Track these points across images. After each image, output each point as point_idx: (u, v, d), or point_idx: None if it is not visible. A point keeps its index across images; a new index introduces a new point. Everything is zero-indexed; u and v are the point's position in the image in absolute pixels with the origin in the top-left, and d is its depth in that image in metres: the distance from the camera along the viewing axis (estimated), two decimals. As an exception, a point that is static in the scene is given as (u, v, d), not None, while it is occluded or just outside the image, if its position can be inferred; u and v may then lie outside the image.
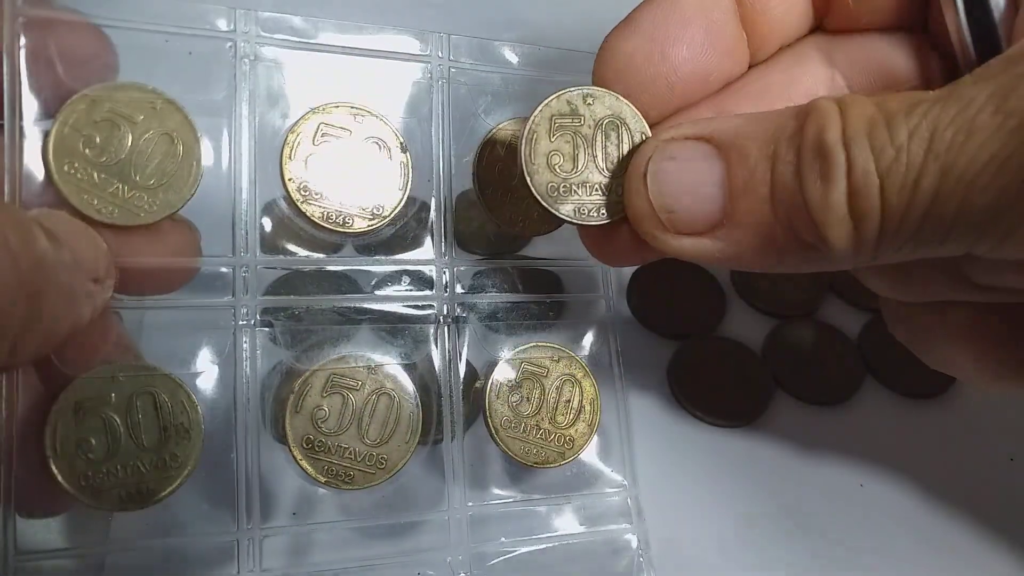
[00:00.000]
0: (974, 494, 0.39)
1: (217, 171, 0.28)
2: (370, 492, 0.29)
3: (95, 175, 0.26)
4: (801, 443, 0.39)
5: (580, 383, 0.33)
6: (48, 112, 0.26)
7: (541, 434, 0.31)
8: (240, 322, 0.29)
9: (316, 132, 0.29)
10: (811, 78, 0.30)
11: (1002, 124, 0.19)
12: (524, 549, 0.31)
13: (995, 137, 0.19)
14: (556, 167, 0.27)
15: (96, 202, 0.26)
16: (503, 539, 0.31)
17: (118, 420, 0.26)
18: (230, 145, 0.28)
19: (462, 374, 0.31)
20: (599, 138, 0.27)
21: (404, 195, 0.30)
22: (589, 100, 0.27)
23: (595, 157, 0.27)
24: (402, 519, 0.30)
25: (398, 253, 0.31)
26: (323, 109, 0.29)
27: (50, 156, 0.26)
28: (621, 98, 0.27)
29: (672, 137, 0.26)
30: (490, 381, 0.31)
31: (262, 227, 0.29)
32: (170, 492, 0.27)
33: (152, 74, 0.27)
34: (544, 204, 0.27)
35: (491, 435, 0.31)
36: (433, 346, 0.31)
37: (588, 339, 0.35)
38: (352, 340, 0.30)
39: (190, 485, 0.27)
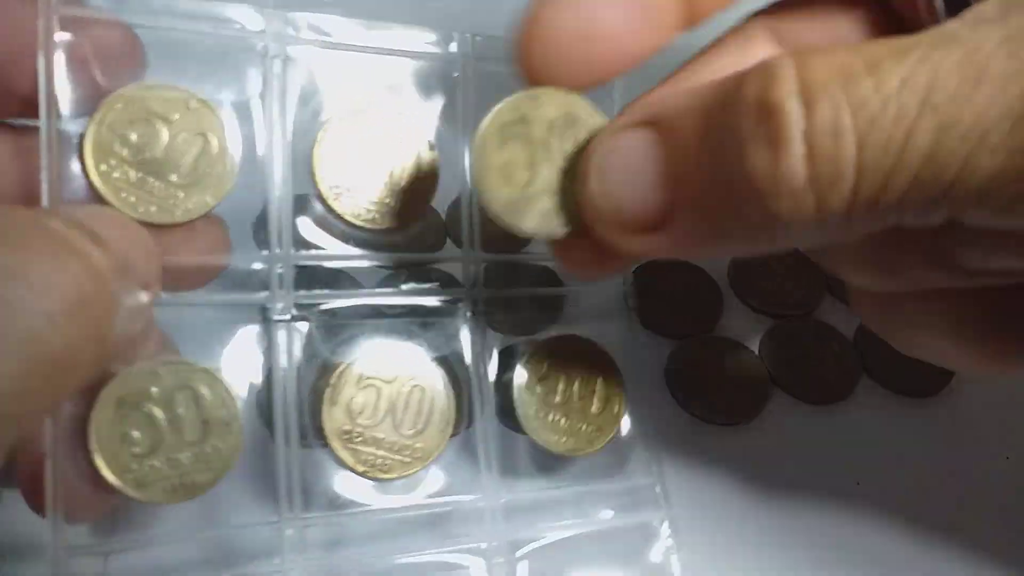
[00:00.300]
0: (970, 492, 0.40)
1: (250, 169, 0.28)
2: (406, 482, 0.30)
3: (132, 174, 0.27)
4: (798, 442, 0.40)
5: (604, 372, 0.33)
6: (83, 112, 0.27)
7: (569, 423, 0.32)
8: (276, 317, 0.29)
9: (346, 131, 0.30)
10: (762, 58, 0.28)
11: (1019, 71, 0.17)
12: (557, 535, 0.31)
13: (1010, 87, 0.17)
14: (512, 178, 0.24)
15: (134, 199, 0.27)
16: (537, 525, 0.31)
17: (160, 414, 0.27)
18: (263, 144, 0.29)
19: (492, 366, 0.32)
20: (554, 140, 0.25)
21: (433, 192, 0.31)
22: (537, 101, 0.25)
23: (553, 161, 0.25)
24: (438, 508, 0.30)
25: (425, 249, 0.32)
26: (352, 107, 0.30)
27: (87, 155, 0.26)
28: (571, 92, 0.25)
29: (615, 128, 0.23)
30: (516, 372, 0.32)
31: (295, 224, 0.30)
32: (213, 483, 0.27)
33: (185, 73, 0.28)
34: (505, 221, 0.25)
35: (520, 425, 0.31)
36: (463, 339, 0.32)
37: (607, 329, 0.35)
38: (385, 333, 0.31)
39: (231, 477, 0.27)
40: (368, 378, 0.30)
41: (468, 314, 0.32)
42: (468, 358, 0.32)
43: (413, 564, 0.29)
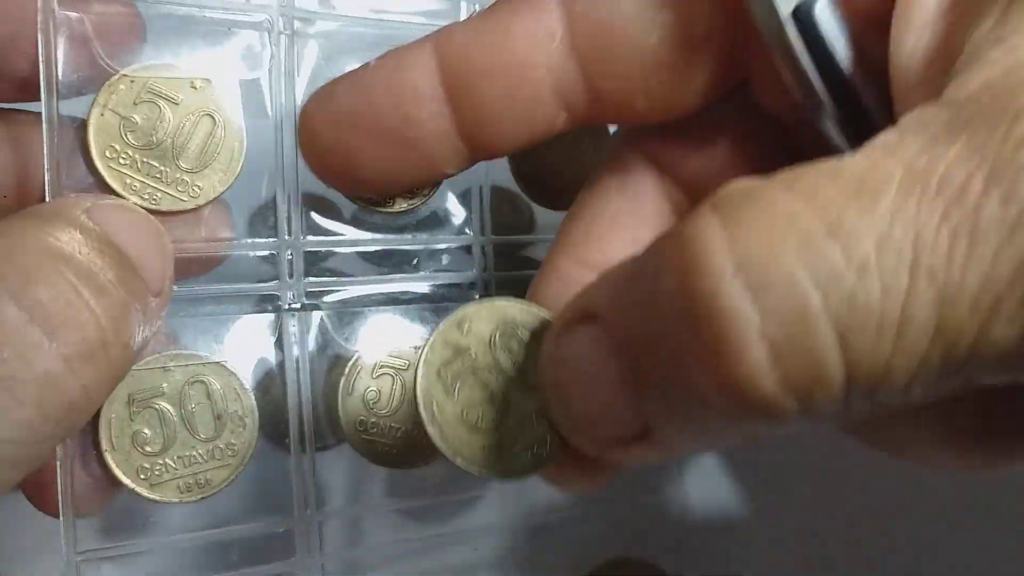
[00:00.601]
0: (979, 487, 0.40)
1: (260, 151, 0.27)
2: (421, 472, 0.29)
3: (137, 159, 0.25)
4: (803, 443, 0.39)
5: None
6: (85, 93, 0.25)
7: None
8: (287, 306, 0.28)
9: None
10: (648, 190, 0.25)
11: (1019, 220, 0.13)
12: (573, 521, 0.31)
13: (1016, 241, 0.13)
14: (479, 423, 0.22)
15: (139, 186, 0.25)
16: (550, 507, 0.31)
17: (172, 411, 0.26)
18: (271, 124, 0.27)
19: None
20: (501, 357, 0.22)
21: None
22: (465, 326, 0.22)
23: (512, 380, 0.22)
24: (453, 497, 0.30)
25: (436, 231, 0.31)
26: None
27: (90, 140, 0.25)
28: (495, 299, 0.22)
29: (556, 331, 0.20)
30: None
31: (305, 208, 0.28)
32: (228, 481, 0.26)
33: (192, 51, 0.26)
34: (498, 477, 0.22)
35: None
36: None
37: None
38: (398, 320, 0.30)
39: (246, 473, 0.26)
40: (383, 366, 0.29)
41: (478, 297, 0.31)
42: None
43: (430, 557, 0.29)
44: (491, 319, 0.22)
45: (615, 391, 0.18)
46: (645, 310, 0.17)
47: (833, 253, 0.14)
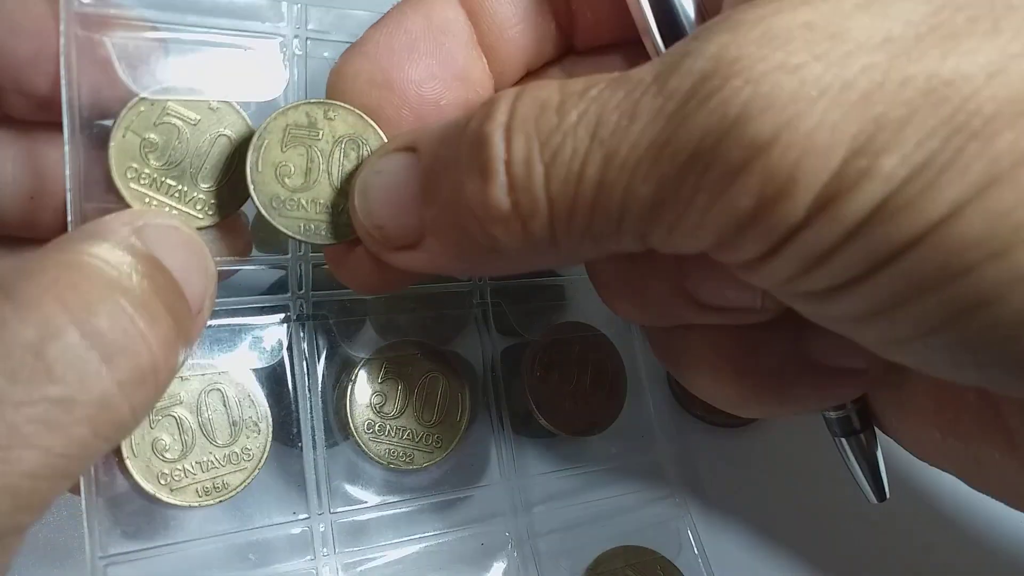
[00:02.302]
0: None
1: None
2: (427, 471, 0.31)
3: (156, 178, 0.26)
4: (802, 443, 0.40)
5: (610, 356, 0.35)
6: (106, 115, 0.26)
7: (576, 408, 0.33)
8: (296, 315, 0.29)
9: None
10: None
11: (662, 107, 0.18)
12: (576, 513, 0.33)
13: (655, 121, 0.18)
14: (284, 179, 0.25)
15: (157, 205, 0.26)
16: (555, 504, 0.33)
17: (190, 418, 0.27)
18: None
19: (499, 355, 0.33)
20: (336, 155, 0.26)
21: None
22: (331, 115, 0.26)
23: (329, 174, 0.26)
24: (459, 494, 0.31)
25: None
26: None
27: (111, 160, 0.26)
28: (365, 117, 0.26)
29: (382, 150, 0.25)
30: (525, 359, 0.33)
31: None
32: (245, 484, 0.27)
33: (209, 73, 0.27)
34: (267, 216, 0.25)
35: (532, 410, 0.32)
36: (474, 330, 0.33)
37: (608, 327, 0.36)
38: (399, 327, 0.31)
39: (260, 476, 0.28)
40: (388, 371, 0.30)
41: (475, 304, 0.33)
42: (479, 348, 0.33)
43: (441, 552, 0.30)
44: (351, 127, 0.26)
45: (410, 201, 0.23)
46: (451, 145, 0.22)
47: (553, 121, 0.19)
